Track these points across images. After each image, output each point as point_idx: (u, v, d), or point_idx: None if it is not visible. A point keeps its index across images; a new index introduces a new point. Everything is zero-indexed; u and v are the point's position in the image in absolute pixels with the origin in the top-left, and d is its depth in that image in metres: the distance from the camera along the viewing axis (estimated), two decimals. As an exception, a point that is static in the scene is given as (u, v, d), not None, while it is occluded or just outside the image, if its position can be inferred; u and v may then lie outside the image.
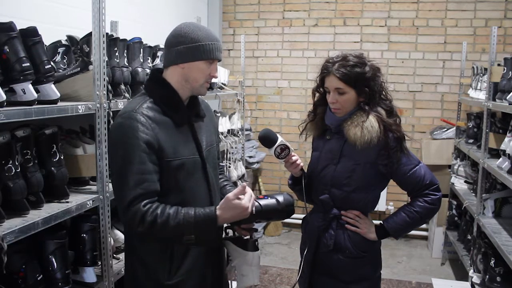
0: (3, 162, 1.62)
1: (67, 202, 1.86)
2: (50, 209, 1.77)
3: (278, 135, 1.85)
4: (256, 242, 1.70)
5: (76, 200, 1.90)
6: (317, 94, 1.96)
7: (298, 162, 1.87)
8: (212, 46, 1.58)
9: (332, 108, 1.85)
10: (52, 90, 1.74)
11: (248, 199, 1.52)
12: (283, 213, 1.66)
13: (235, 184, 3.49)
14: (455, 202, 4.01)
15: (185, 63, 1.57)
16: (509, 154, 2.56)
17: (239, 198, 1.51)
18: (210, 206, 1.54)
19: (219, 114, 3.57)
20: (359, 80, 1.79)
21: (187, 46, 1.56)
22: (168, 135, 1.55)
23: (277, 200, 1.63)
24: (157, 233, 1.49)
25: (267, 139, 1.84)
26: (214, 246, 1.58)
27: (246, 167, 4.29)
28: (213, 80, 3.40)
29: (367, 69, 1.80)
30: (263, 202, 1.62)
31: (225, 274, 1.81)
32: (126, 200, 1.47)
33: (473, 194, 3.51)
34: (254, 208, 1.58)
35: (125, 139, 1.50)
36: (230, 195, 1.52)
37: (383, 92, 1.87)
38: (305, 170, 1.96)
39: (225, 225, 1.69)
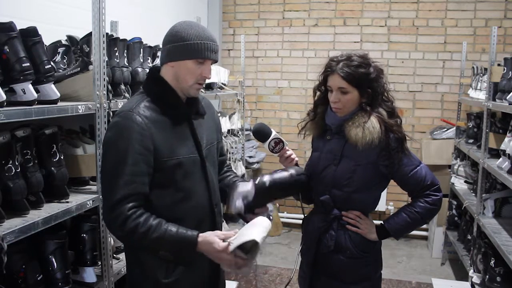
0: (3, 162, 1.62)
1: (67, 202, 1.86)
2: (50, 209, 1.77)
3: (272, 129, 1.85)
4: (270, 217, 1.65)
5: (76, 200, 1.90)
6: (318, 93, 1.95)
7: (292, 156, 1.87)
8: (201, 45, 1.53)
9: (333, 107, 1.84)
10: (52, 90, 1.74)
11: (225, 247, 1.48)
12: (295, 185, 1.68)
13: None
14: (455, 202, 4.00)
15: (174, 61, 1.56)
16: (509, 154, 2.56)
17: (225, 240, 1.49)
18: (194, 231, 1.50)
19: (219, 114, 3.57)
20: (363, 80, 1.79)
21: (175, 45, 1.54)
22: (165, 135, 1.54)
23: (290, 174, 1.66)
24: (135, 241, 1.50)
25: (261, 133, 1.84)
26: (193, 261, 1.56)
27: (246, 167, 4.29)
28: (213, 80, 3.44)
29: (371, 70, 1.80)
30: (276, 175, 1.65)
31: (222, 272, 1.81)
32: (112, 199, 1.47)
33: (473, 194, 3.51)
34: (268, 181, 1.61)
35: (120, 139, 1.49)
36: (219, 233, 1.53)
37: (385, 94, 1.87)
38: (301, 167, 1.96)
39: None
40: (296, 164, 1.89)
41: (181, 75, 1.57)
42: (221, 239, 1.49)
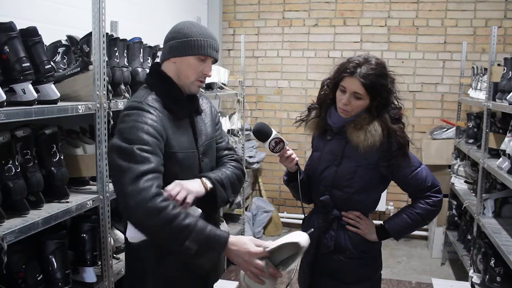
0: (3, 162, 1.62)
1: (67, 202, 1.86)
2: (50, 209, 1.77)
3: (272, 129, 1.84)
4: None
5: (76, 200, 1.90)
6: (325, 87, 1.92)
7: (293, 156, 1.86)
8: (203, 42, 1.56)
9: (341, 108, 1.82)
10: (52, 90, 1.74)
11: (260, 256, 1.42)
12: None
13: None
14: (455, 202, 4.01)
15: (176, 57, 1.58)
16: (509, 154, 2.56)
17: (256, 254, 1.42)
18: (224, 232, 1.45)
19: (219, 114, 3.57)
20: (380, 91, 1.78)
21: (179, 41, 1.56)
22: (172, 128, 1.55)
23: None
24: (160, 221, 1.36)
25: (261, 133, 1.83)
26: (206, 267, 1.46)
27: (246, 167, 4.29)
28: (213, 80, 3.43)
29: (388, 81, 1.81)
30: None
31: (222, 265, 1.79)
32: (137, 170, 1.37)
33: (473, 194, 3.51)
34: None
35: (134, 125, 1.45)
36: (253, 238, 1.46)
37: (395, 101, 1.86)
38: (302, 168, 1.95)
39: None
40: (296, 164, 1.89)
41: (183, 71, 1.58)
42: (255, 244, 1.44)
